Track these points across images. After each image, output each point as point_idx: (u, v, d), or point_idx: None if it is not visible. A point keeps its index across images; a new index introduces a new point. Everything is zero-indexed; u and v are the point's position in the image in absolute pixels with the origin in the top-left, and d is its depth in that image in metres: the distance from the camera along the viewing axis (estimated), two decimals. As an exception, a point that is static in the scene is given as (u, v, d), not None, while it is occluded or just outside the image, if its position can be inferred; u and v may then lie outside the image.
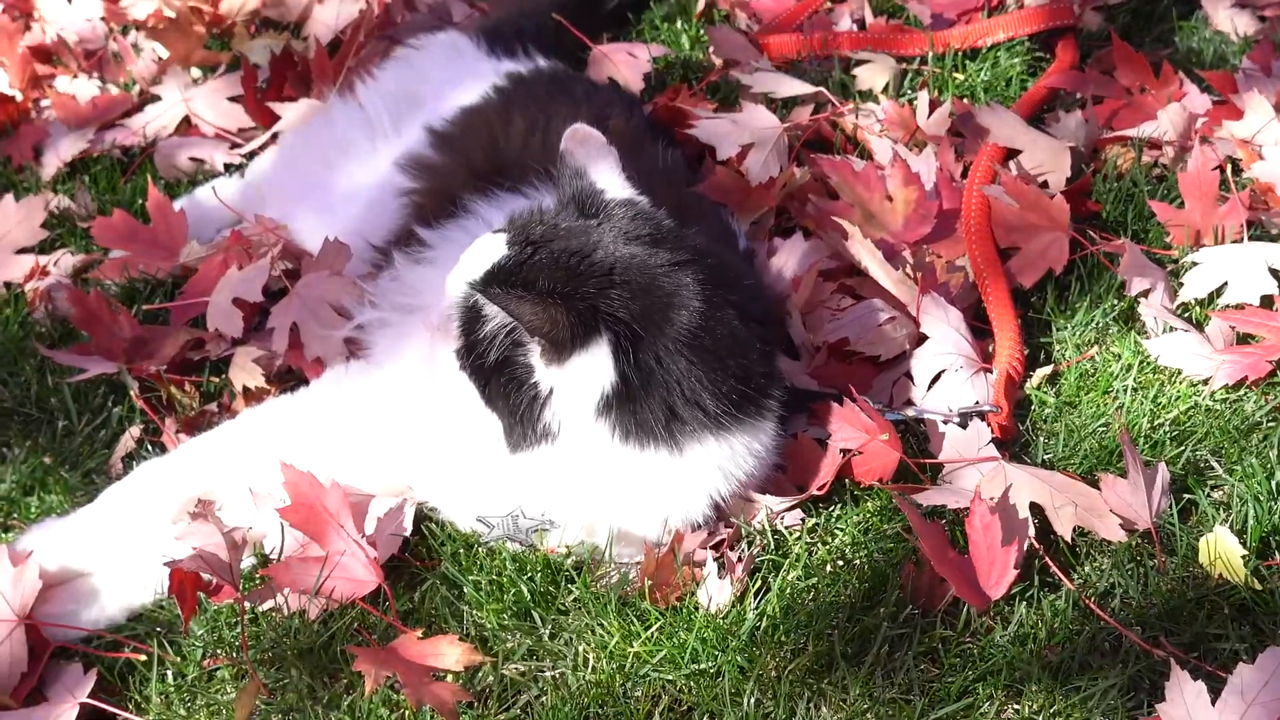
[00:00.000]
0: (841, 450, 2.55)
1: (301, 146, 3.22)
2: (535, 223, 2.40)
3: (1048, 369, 2.78)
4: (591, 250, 2.33)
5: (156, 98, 3.61)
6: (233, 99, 3.56)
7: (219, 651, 2.49)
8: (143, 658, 2.48)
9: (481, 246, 2.38)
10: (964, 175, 3.10)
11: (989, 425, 2.61)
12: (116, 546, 2.56)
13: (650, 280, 2.32)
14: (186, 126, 3.57)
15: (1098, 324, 2.86)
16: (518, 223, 2.41)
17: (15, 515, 2.73)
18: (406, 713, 2.37)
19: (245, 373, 2.84)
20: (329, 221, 2.95)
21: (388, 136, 3.07)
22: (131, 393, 2.87)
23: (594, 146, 2.44)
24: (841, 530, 2.52)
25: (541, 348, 2.31)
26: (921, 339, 2.76)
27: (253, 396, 2.83)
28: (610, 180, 2.46)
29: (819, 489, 2.54)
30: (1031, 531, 2.45)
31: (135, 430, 2.83)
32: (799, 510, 2.53)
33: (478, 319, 2.35)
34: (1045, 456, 2.62)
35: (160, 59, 3.74)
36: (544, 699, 2.36)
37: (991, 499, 2.43)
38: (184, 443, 2.71)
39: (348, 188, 3.05)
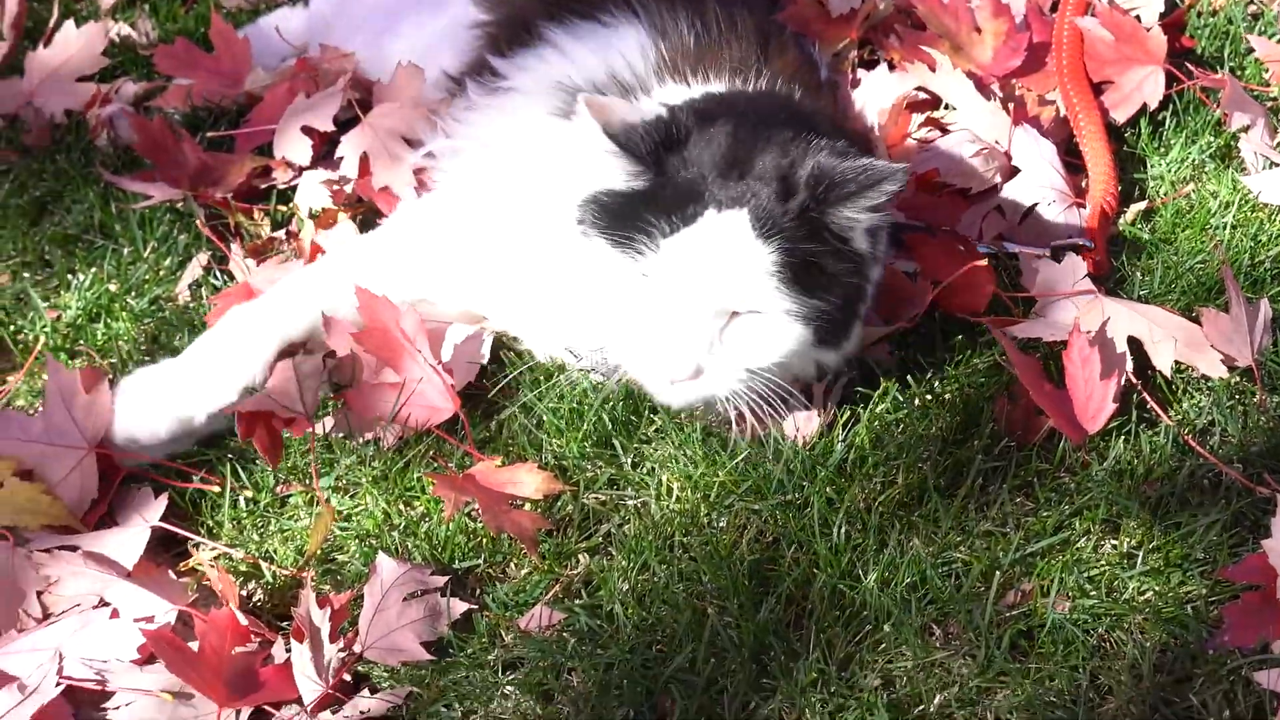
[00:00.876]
0: (933, 283, 2.48)
1: (368, -26, 3.14)
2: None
3: (1142, 204, 2.70)
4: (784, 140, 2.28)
5: (216, -75, 3.52)
6: (295, -73, 3.47)
7: (292, 478, 2.45)
8: (215, 489, 2.45)
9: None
10: (1054, 8, 2.99)
11: (1082, 261, 2.53)
12: (210, 396, 2.50)
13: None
14: (248, -45, 3.49)
15: (1194, 161, 2.77)
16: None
17: (81, 341, 2.69)
18: (484, 540, 2.33)
19: (313, 196, 2.79)
20: (398, 51, 2.88)
21: None
22: (198, 220, 2.82)
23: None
24: (931, 363, 2.46)
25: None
26: (1013, 172, 2.68)
27: (321, 222, 2.77)
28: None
29: (909, 321, 2.48)
30: (1129, 366, 2.38)
31: (202, 257, 2.79)
32: (886, 343, 2.47)
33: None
34: (1141, 292, 2.54)
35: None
36: (626, 528, 2.31)
37: (1089, 331, 2.37)
38: (270, 289, 2.63)
39: (416, 18, 2.96)
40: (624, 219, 2.22)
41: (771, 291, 2.19)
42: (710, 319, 2.20)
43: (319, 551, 2.33)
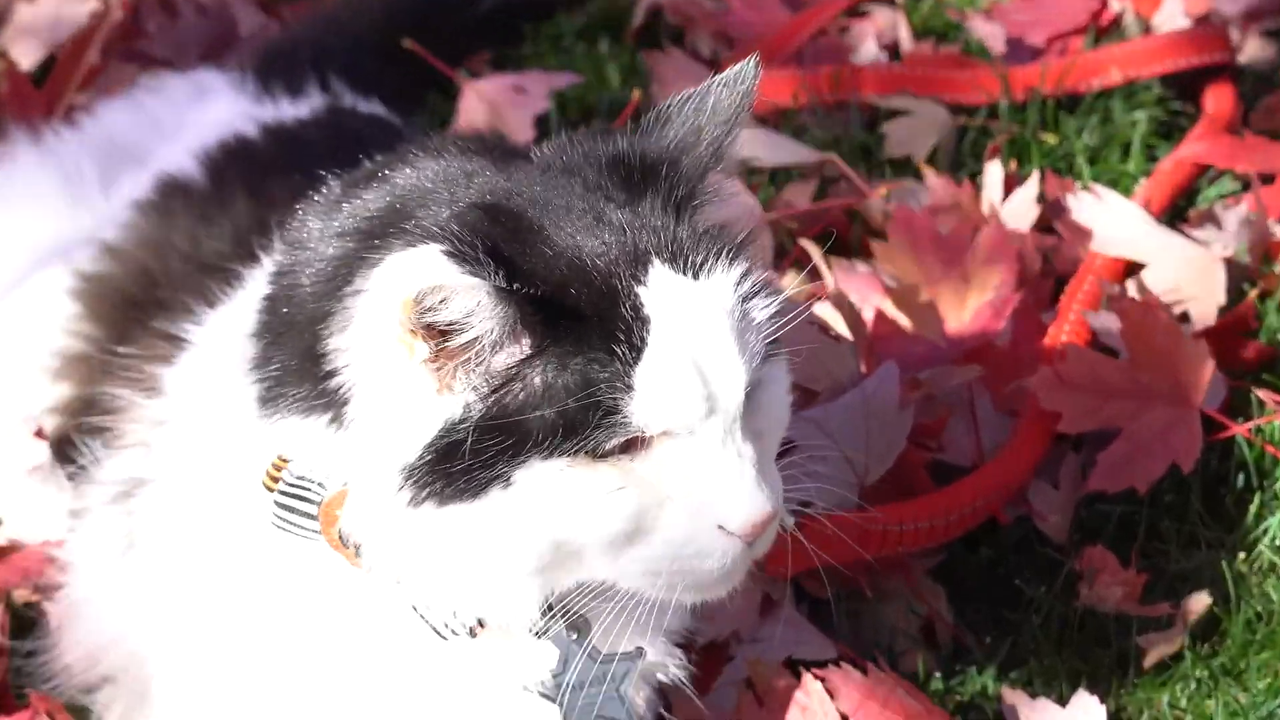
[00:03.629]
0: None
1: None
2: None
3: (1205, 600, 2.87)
4: None
5: None
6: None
7: None
8: None
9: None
10: (1055, 300, 3.22)
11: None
12: None
13: None
14: None
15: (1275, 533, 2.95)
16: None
17: None
18: None
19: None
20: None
21: (92, 203, 3.18)
22: None
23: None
24: None
25: None
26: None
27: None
28: None
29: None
30: None
31: None
32: None
33: None
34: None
35: None
36: None
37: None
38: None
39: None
40: (534, 420, 2.17)
41: (764, 322, 2.27)
42: (738, 417, 2.24)
43: None
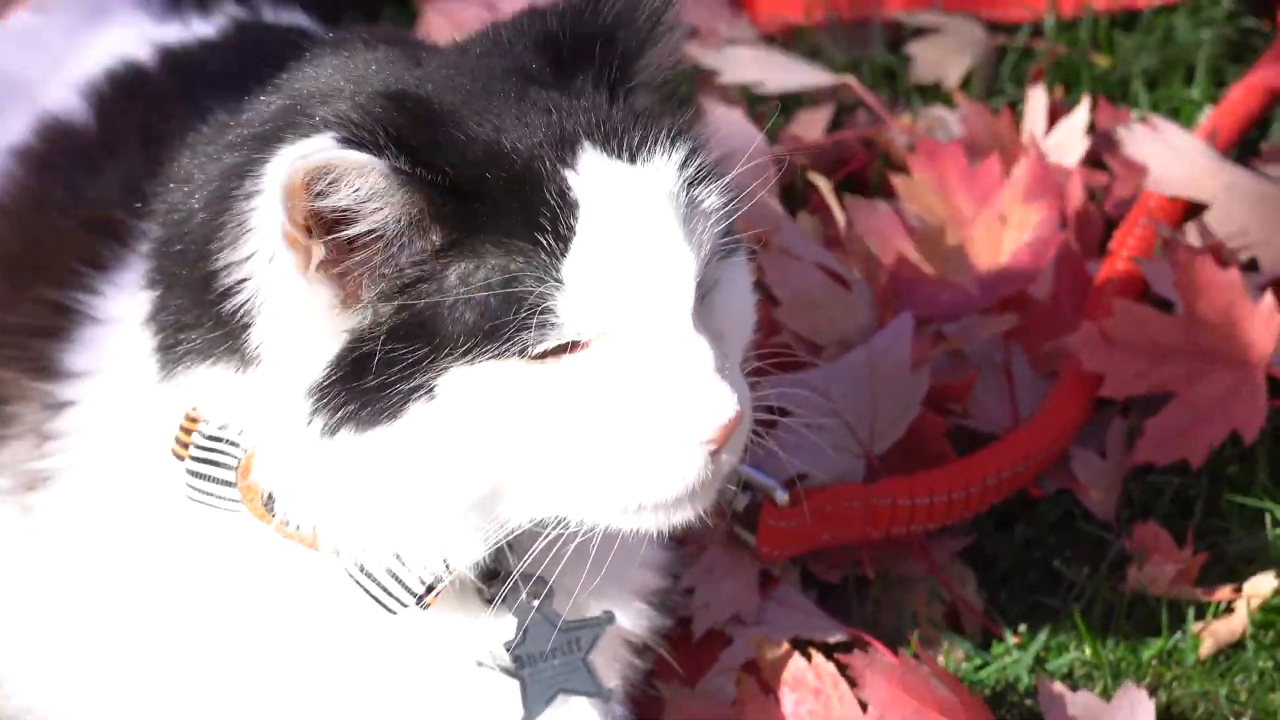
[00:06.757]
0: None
1: None
2: None
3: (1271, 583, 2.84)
4: None
5: None
6: None
7: None
8: None
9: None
10: (1103, 247, 3.20)
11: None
12: None
13: None
14: None
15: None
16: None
17: None
18: None
19: None
20: None
21: None
22: None
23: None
24: None
25: None
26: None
27: None
28: None
29: None
30: None
31: None
32: None
33: None
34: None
35: None
36: None
37: None
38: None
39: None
40: (451, 321, 2.15)
41: (714, 210, 2.24)
42: (691, 312, 2.21)
43: None
